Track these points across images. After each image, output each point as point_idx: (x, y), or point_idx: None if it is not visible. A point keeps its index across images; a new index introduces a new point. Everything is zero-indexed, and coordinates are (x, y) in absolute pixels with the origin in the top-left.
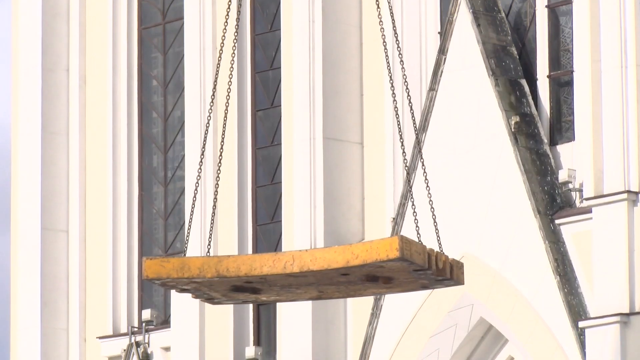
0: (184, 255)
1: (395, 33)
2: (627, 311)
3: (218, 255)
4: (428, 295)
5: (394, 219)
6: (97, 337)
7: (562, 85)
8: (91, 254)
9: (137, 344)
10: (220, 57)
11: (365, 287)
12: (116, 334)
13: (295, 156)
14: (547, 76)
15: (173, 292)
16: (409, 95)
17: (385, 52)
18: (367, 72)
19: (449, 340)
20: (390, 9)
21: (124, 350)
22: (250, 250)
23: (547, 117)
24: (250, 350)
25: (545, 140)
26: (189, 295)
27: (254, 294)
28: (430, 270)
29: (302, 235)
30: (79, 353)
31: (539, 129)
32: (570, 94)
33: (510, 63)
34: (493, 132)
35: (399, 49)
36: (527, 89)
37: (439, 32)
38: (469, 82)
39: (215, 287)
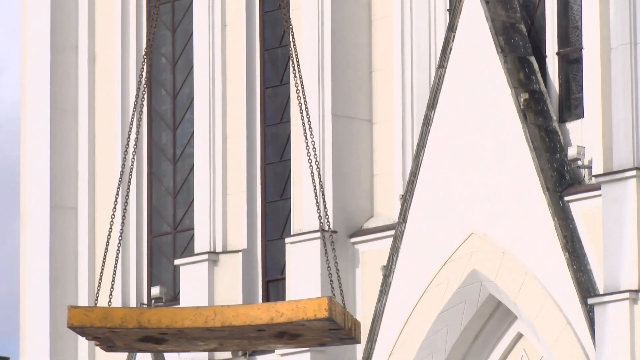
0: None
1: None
2: (636, 288)
3: (139, 307)
4: (437, 272)
5: (402, 196)
6: None
7: (571, 62)
8: (100, 231)
9: None
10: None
11: (269, 342)
12: None
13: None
14: (556, 53)
15: (182, 269)
16: None
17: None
18: (376, 48)
19: (457, 317)
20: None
21: None
22: (259, 227)
23: (556, 94)
24: None
25: (554, 118)
26: (95, 341)
27: (156, 344)
28: (343, 330)
29: (311, 212)
30: None
31: (548, 106)
32: (579, 71)
33: (519, 40)
34: (502, 109)
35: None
36: (536, 66)
37: (447, 10)
38: (477, 60)
39: (125, 337)
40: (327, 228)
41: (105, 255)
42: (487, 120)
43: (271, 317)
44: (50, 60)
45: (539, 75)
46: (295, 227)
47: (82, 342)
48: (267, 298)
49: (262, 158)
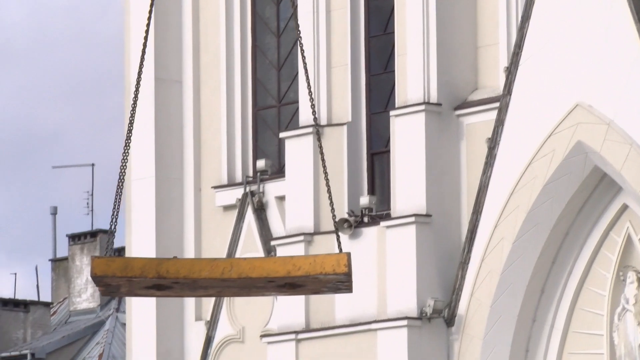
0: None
1: None
2: None
3: (158, 258)
4: (542, 144)
5: (507, 68)
6: (211, 187)
7: None
8: (205, 104)
9: (252, 194)
10: None
11: (270, 291)
12: (231, 184)
13: (408, 6)
14: None
15: (287, 142)
16: None
17: None
18: None
19: (562, 189)
20: None
21: (239, 199)
22: (363, 100)
23: None
24: (365, 199)
25: None
26: (100, 287)
27: (157, 290)
28: (349, 282)
29: (415, 85)
30: (193, 203)
31: None
32: None
33: None
34: None
35: None
36: None
37: None
38: None
39: (135, 284)
40: (317, 122)
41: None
42: None
43: (288, 271)
44: None
45: None
46: (399, 99)
47: (188, 217)
48: (372, 171)
49: (366, 31)
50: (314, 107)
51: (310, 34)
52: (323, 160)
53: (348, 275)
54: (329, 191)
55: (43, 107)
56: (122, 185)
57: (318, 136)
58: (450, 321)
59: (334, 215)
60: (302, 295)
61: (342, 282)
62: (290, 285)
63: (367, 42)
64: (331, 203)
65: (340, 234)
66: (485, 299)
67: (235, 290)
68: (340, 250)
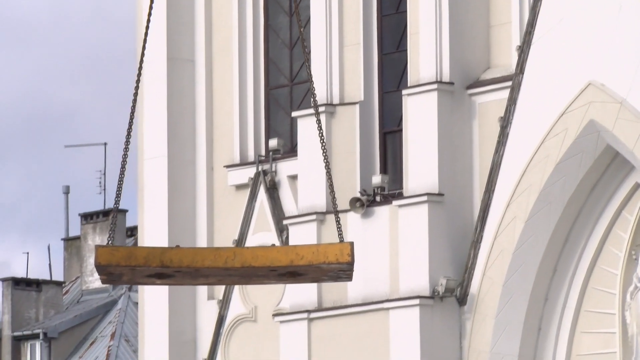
0: None
1: None
2: None
3: (161, 247)
4: (554, 123)
5: (519, 47)
6: (224, 166)
7: None
8: (218, 84)
9: (264, 173)
10: None
11: (270, 280)
12: (243, 163)
13: None
14: None
15: (299, 121)
16: None
17: None
18: None
19: (575, 168)
20: None
21: (251, 179)
22: (376, 79)
23: None
24: (377, 178)
25: None
26: (105, 277)
27: (157, 278)
28: (351, 271)
29: (428, 64)
30: (206, 182)
31: None
32: None
33: None
34: None
35: None
36: None
37: None
38: None
39: (137, 273)
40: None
41: None
42: None
43: (291, 260)
44: None
45: None
46: (411, 78)
47: (200, 196)
48: (384, 150)
49: (379, 9)
50: (314, 89)
51: (323, 13)
52: (324, 148)
53: (351, 264)
54: (330, 179)
55: (56, 86)
56: (125, 164)
57: (318, 122)
58: (462, 300)
59: (335, 205)
60: (303, 283)
61: (343, 271)
62: (291, 274)
63: (379, 21)
64: (332, 192)
65: (352, 213)
66: (498, 278)
67: (236, 279)
68: (342, 239)
